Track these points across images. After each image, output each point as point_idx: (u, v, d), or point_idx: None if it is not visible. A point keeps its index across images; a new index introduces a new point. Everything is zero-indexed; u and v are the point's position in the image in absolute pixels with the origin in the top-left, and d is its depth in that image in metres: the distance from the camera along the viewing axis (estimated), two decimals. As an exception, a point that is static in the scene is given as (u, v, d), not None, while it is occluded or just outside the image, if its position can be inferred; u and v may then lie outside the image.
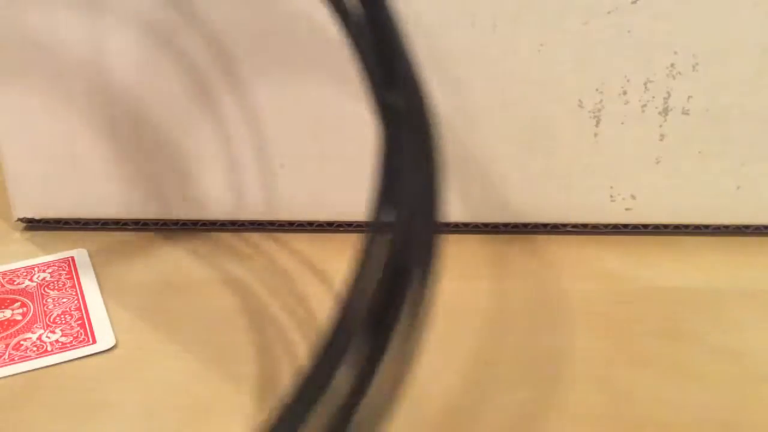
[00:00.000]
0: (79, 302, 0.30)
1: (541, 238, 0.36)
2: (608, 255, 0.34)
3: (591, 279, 0.32)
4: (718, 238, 0.35)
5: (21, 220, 0.36)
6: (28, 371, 0.27)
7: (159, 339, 0.29)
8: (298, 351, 0.28)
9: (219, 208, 0.35)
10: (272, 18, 0.31)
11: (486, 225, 0.36)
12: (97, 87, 0.32)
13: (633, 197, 0.34)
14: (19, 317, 0.29)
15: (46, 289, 0.31)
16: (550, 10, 0.30)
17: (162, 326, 0.29)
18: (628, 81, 0.32)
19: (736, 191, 0.34)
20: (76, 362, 0.27)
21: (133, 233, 0.36)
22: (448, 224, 0.36)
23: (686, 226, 0.36)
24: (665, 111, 0.32)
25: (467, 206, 0.35)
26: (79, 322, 0.29)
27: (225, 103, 0.33)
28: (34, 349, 0.28)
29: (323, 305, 0.31)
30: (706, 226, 0.36)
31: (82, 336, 0.28)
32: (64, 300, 0.30)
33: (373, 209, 0.18)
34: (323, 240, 0.35)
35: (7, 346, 0.28)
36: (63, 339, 0.28)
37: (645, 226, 0.36)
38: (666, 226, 0.36)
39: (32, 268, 0.33)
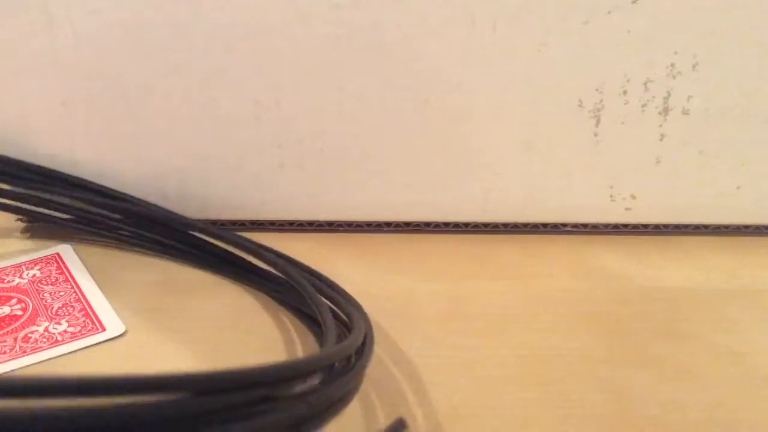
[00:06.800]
0: (77, 294, 0.30)
1: (541, 238, 0.36)
2: (608, 255, 0.34)
3: (591, 279, 0.32)
4: (718, 238, 0.35)
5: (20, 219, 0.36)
6: (41, 361, 0.27)
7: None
8: (297, 351, 0.28)
9: (218, 208, 0.35)
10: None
11: (486, 225, 0.36)
12: (96, 86, 0.32)
13: (633, 197, 0.34)
14: (20, 312, 0.29)
15: (39, 284, 0.31)
16: (550, 10, 0.30)
17: (164, 323, 0.29)
18: (628, 81, 0.32)
19: (736, 191, 0.34)
20: (87, 350, 0.27)
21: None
22: (447, 224, 0.36)
23: (686, 226, 0.36)
24: (665, 111, 0.32)
25: (466, 206, 0.35)
26: (83, 312, 0.29)
27: (226, 103, 0.33)
28: (44, 340, 0.28)
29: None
30: (706, 226, 0.36)
31: (90, 325, 0.29)
32: (62, 293, 0.31)
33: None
34: (327, 239, 0.35)
35: (15, 339, 0.28)
36: (71, 329, 0.28)
37: (645, 226, 0.36)
38: (666, 226, 0.36)
39: (19, 266, 0.33)
